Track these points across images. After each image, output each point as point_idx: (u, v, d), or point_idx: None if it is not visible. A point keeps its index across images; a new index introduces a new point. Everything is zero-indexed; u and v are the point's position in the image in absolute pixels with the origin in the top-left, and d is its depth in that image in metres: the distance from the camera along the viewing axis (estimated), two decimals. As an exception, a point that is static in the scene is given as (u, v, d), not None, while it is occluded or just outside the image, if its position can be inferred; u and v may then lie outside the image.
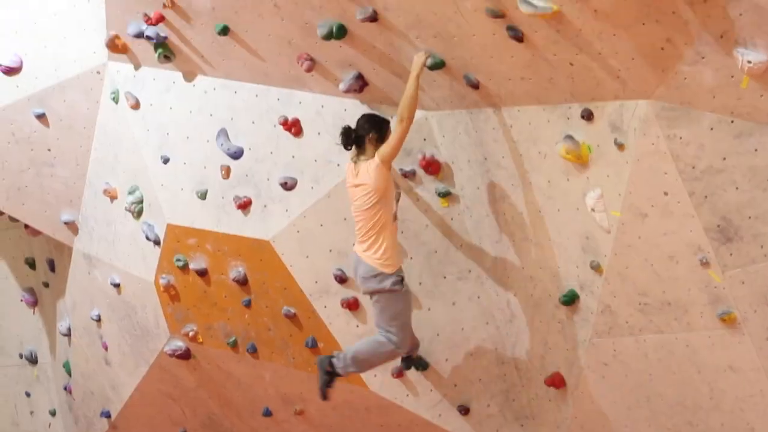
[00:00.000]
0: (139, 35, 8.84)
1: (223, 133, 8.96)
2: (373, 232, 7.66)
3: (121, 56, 9.27)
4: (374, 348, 7.93)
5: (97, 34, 9.29)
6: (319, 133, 8.58)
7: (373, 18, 7.64)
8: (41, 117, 9.95)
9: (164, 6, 8.39)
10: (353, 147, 7.72)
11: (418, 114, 8.17)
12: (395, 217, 7.83)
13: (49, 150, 10.14)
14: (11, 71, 9.79)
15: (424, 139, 8.31)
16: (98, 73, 9.53)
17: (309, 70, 8.31)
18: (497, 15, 6.97)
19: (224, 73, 8.84)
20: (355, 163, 7.69)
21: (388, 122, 7.70)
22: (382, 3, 7.47)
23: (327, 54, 8.18)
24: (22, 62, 9.78)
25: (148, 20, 8.62)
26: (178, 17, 8.52)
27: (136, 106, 9.33)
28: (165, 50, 8.88)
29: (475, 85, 7.75)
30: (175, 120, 9.20)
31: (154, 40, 8.80)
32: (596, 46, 6.75)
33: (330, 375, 8.07)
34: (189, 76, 9.09)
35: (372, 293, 7.81)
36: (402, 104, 7.42)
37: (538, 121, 7.61)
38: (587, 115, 7.29)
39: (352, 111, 8.37)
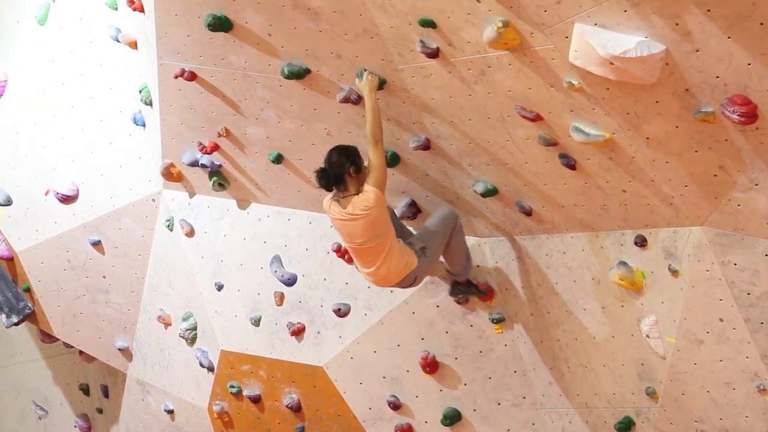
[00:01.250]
0: (194, 164, 9.05)
1: (276, 260, 9.16)
2: (384, 253, 7.63)
3: (176, 184, 9.46)
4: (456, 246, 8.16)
5: (152, 163, 9.49)
6: (372, 260, 8.78)
7: (426, 146, 7.89)
8: (97, 244, 10.11)
9: (219, 135, 8.63)
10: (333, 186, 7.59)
11: (471, 240, 8.36)
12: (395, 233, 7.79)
13: (104, 277, 10.30)
14: (68, 199, 9.99)
15: (478, 266, 8.45)
16: (153, 200, 9.68)
17: (362, 197, 8.55)
18: (549, 143, 7.20)
19: (278, 201, 9.04)
20: (338, 200, 7.56)
21: (356, 149, 7.55)
22: (434, 131, 7.74)
23: (380, 178, 8.42)
24: (78, 190, 9.97)
25: (203, 149, 8.84)
26: (232, 146, 8.75)
27: (190, 233, 9.50)
28: (219, 178, 9.09)
29: (528, 212, 7.94)
30: (229, 247, 9.37)
31: (209, 169, 9.01)
32: (649, 173, 6.94)
33: (464, 285, 8.41)
34: (243, 204, 9.27)
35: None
36: (370, 129, 7.40)
37: (591, 248, 7.76)
38: (641, 242, 7.42)
39: (405, 238, 8.57)
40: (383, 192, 7.44)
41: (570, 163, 7.28)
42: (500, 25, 6.47)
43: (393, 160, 8.10)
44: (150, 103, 8.89)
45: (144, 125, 9.37)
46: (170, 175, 9.33)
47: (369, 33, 7.19)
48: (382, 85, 7.57)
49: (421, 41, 7.00)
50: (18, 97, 10.23)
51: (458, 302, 8.55)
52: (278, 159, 8.61)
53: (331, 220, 7.70)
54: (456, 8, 6.57)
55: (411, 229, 8.21)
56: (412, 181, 8.29)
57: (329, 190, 7.59)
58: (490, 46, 6.65)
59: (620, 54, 6.03)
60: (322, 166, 7.53)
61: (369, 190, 7.40)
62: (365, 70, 7.44)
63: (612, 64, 6.12)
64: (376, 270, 7.70)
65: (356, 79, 7.54)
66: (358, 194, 7.46)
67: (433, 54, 7.02)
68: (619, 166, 7.10)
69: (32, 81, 10.10)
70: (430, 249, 7.84)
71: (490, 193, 7.96)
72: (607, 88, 6.46)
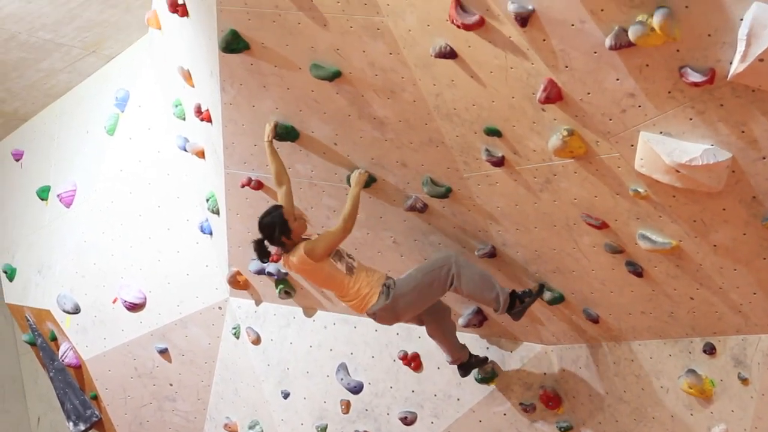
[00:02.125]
0: (261, 272, 9.17)
1: (342, 367, 9.23)
2: (342, 290, 7.71)
3: (243, 292, 9.58)
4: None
5: (219, 271, 9.64)
6: (438, 368, 8.80)
7: (492, 254, 7.98)
8: (164, 352, 10.23)
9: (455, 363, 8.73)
10: (277, 248, 7.81)
11: (537, 348, 8.39)
12: (350, 268, 7.69)
13: (170, 385, 10.40)
14: (135, 307, 10.14)
15: (545, 373, 8.46)
16: (220, 308, 9.80)
17: (428, 305, 8.63)
18: (616, 250, 7.25)
19: (343, 308, 9.06)
20: (285, 255, 7.72)
21: (278, 208, 7.62)
22: (500, 239, 7.83)
23: (446, 289, 8.51)
24: (145, 298, 10.12)
25: (270, 257, 8.98)
26: (299, 254, 8.90)
27: (256, 341, 9.58)
28: (286, 286, 9.21)
29: (595, 320, 7.97)
30: (295, 355, 9.44)
31: (275, 277, 9.15)
32: (717, 280, 6.96)
33: (468, 364, 8.35)
34: (309, 312, 9.38)
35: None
36: (344, 212, 7.55)
37: (659, 356, 7.76)
38: (709, 350, 7.41)
39: (471, 345, 8.58)
40: (314, 259, 7.52)
41: (637, 271, 7.33)
42: (565, 133, 6.59)
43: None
44: (217, 212, 9.07)
45: (211, 233, 9.53)
46: (237, 283, 9.45)
47: (434, 142, 7.35)
48: (370, 183, 7.86)
49: (487, 150, 7.14)
50: (86, 206, 10.47)
51: (525, 410, 8.55)
52: (345, 267, 8.72)
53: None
54: (521, 117, 6.71)
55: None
56: (478, 289, 8.34)
57: (264, 261, 7.88)
58: (556, 154, 6.77)
59: (686, 162, 6.11)
60: (257, 239, 7.72)
61: (297, 252, 7.58)
62: (358, 170, 7.75)
63: (678, 171, 6.19)
64: (348, 302, 7.81)
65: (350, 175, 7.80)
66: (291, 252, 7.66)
67: (499, 162, 7.15)
68: (687, 274, 7.13)
69: (100, 190, 10.34)
70: (398, 290, 7.68)
71: (557, 300, 8.01)
72: (674, 196, 6.53)
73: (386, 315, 7.75)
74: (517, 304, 7.82)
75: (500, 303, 7.79)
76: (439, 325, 8.22)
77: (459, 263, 7.73)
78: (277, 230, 7.56)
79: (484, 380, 8.64)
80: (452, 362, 8.37)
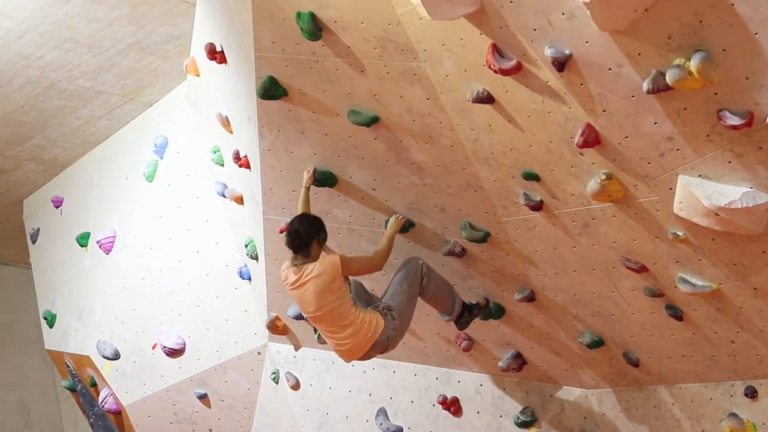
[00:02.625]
0: (299, 317, 9.12)
1: (382, 412, 9.21)
2: (348, 321, 7.54)
3: (282, 337, 9.59)
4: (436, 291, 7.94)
5: (258, 316, 9.66)
6: (478, 412, 8.78)
7: (531, 298, 7.98)
8: (203, 398, 10.24)
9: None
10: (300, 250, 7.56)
11: (578, 391, 8.38)
12: (354, 302, 7.62)
13: (210, 430, 10.39)
14: (174, 353, 10.19)
15: (585, 417, 8.44)
16: (259, 353, 9.79)
17: (467, 349, 8.62)
18: (656, 294, 7.25)
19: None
20: (297, 266, 7.54)
21: (321, 221, 7.62)
22: (539, 283, 7.84)
23: (485, 333, 8.49)
24: (185, 344, 10.16)
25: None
26: (337, 299, 8.93)
27: (296, 386, 9.57)
28: (324, 331, 9.25)
29: (636, 363, 7.94)
30: (334, 400, 9.42)
31: (314, 322, 9.20)
32: (757, 323, 6.95)
33: (465, 316, 8.09)
34: (348, 357, 9.41)
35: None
36: (378, 251, 7.63)
37: (700, 399, 7.72)
38: (751, 393, 7.39)
39: (510, 389, 8.61)
40: (343, 271, 7.42)
41: (677, 314, 7.32)
42: (604, 177, 6.61)
43: (498, 312, 8.21)
44: (256, 257, 9.13)
45: (250, 279, 9.59)
46: (276, 328, 9.48)
47: (472, 186, 7.39)
48: (408, 228, 7.86)
49: (525, 194, 7.17)
50: (126, 252, 10.57)
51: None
52: (383, 311, 8.74)
53: (288, 290, 7.72)
54: (559, 161, 6.74)
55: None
56: (518, 333, 8.36)
57: (297, 251, 7.57)
58: (594, 198, 6.79)
59: (725, 205, 6.11)
60: (296, 228, 7.55)
61: (332, 256, 7.50)
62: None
63: (717, 215, 6.20)
64: (343, 340, 7.62)
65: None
66: (316, 261, 7.51)
67: (537, 206, 7.18)
68: (727, 317, 7.12)
69: (140, 236, 10.44)
70: (397, 309, 7.68)
71: (597, 344, 8.00)
72: (713, 239, 6.53)
73: (396, 336, 7.70)
74: (465, 314, 8.00)
75: (455, 309, 7.95)
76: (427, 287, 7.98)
77: (427, 265, 7.83)
78: (321, 230, 7.56)
79: (525, 424, 8.63)
80: (449, 320, 8.14)
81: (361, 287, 8.06)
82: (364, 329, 7.54)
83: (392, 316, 7.63)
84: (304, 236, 7.51)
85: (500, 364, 8.58)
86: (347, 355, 7.80)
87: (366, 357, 7.78)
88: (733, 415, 7.49)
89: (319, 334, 9.14)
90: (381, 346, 7.68)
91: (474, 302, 8.12)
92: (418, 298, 7.86)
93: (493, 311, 8.20)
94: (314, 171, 7.79)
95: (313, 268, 7.42)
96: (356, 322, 7.52)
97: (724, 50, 5.58)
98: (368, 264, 7.64)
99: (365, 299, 7.94)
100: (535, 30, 5.98)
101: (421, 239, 7.98)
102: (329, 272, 7.40)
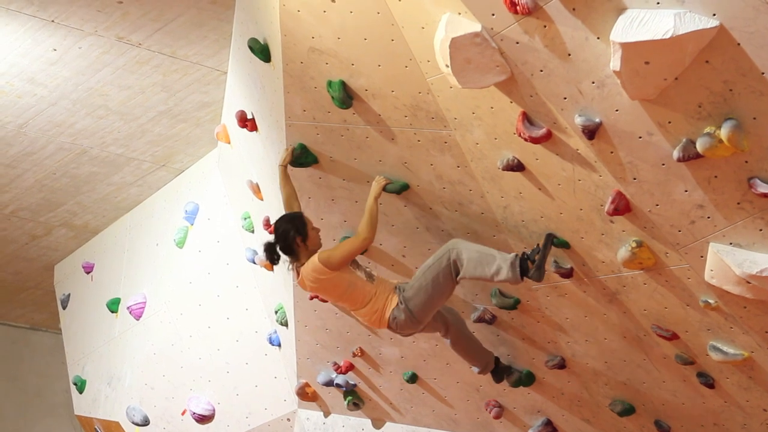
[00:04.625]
0: (329, 383, 9.15)
1: (412, 479, 9.16)
2: (366, 300, 7.24)
3: (311, 404, 9.55)
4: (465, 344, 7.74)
5: (287, 382, 9.63)
6: (508, 477, 8.76)
7: (562, 365, 7.96)
8: (232, 461, 10.19)
9: (354, 355, 8.80)
10: (286, 256, 7.29)
11: (610, 461, 8.33)
12: (369, 275, 7.32)
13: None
14: (204, 419, 10.17)
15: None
16: (288, 420, 9.75)
17: (497, 416, 8.58)
18: (687, 362, 7.22)
19: (412, 420, 9.11)
20: (296, 270, 7.31)
21: (301, 215, 7.27)
22: (569, 350, 7.82)
23: (515, 400, 8.46)
24: (214, 410, 10.15)
25: (338, 369, 8.98)
26: (367, 365, 8.90)
27: (325, 453, 9.56)
28: (354, 398, 9.19)
29: (667, 431, 7.91)
30: (364, 467, 9.40)
31: (344, 388, 9.12)
32: (790, 391, 6.94)
33: (499, 371, 7.92)
34: (378, 423, 9.35)
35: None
36: (361, 225, 7.12)
37: (734, 471, 7.69)
38: (783, 463, 7.36)
39: (541, 458, 8.59)
40: (330, 268, 7.06)
41: (709, 382, 7.28)
42: (634, 245, 6.62)
43: (528, 379, 8.18)
44: (285, 324, 9.14)
45: (279, 345, 9.59)
46: (305, 394, 9.44)
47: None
48: (401, 190, 7.37)
49: (555, 261, 7.17)
50: (156, 318, 10.60)
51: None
52: (413, 378, 8.74)
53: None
54: (589, 229, 6.75)
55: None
56: (548, 400, 8.32)
57: (275, 263, 7.37)
58: (625, 265, 6.79)
59: (757, 273, 6.10)
60: (269, 241, 7.30)
61: (312, 262, 7.11)
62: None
63: (749, 282, 6.19)
64: (364, 317, 7.37)
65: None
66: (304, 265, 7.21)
67: (567, 274, 7.18)
68: (759, 385, 7.08)
69: (170, 302, 10.47)
70: (407, 293, 7.24)
71: (628, 412, 7.95)
72: (745, 307, 6.52)
73: (405, 321, 7.28)
74: (530, 265, 6.96)
75: (489, 363, 7.79)
76: (460, 333, 7.78)
77: (457, 248, 7.12)
78: (293, 230, 7.16)
79: (556, 493, 8.59)
80: (480, 372, 7.93)
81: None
82: (379, 308, 7.26)
83: (406, 306, 7.24)
84: (281, 244, 7.24)
85: (530, 431, 8.53)
86: (373, 325, 7.49)
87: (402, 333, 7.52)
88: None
89: (349, 401, 9.15)
90: (393, 327, 7.36)
91: (534, 248, 7.09)
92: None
93: (523, 379, 8.16)
94: (292, 150, 7.46)
95: (307, 277, 7.18)
96: (372, 301, 7.24)
97: (754, 118, 5.59)
98: (353, 246, 7.12)
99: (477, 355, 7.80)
100: (565, 98, 6.02)
101: (451, 306, 7.97)
102: (318, 278, 7.13)
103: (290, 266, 7.38)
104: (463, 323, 7.83)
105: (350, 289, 7.21)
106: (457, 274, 7.10)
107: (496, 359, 7.95)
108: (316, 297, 8.44)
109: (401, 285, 7.34)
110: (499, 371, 7.95)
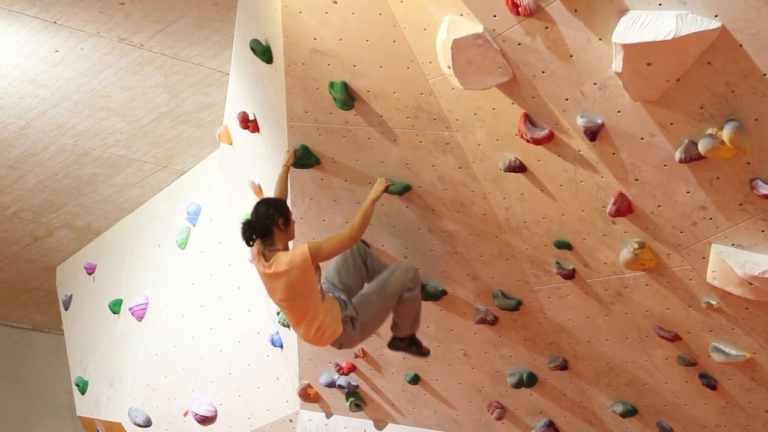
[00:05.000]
0: (331, 384, 9.15)
1: (412, 479, 9.14)
2: (309, 317, 7.19)
3: (313, 405, 9.54)
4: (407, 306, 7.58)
5: (289, 384, 9.62)
6: (509, 482, 8.76)
7: (564, 366, 7.95)
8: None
9: (356, 356, 8.80)
10: (260, 238, 7.18)
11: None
12: (322, 292, 7.25)
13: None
14: (206, 420, 10.15)
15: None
16: (290, 421, 9.74)
17: (499, 417, 8.57)
18: (689, 363, 7.22)
19: (414, 421, 9.10)
20: (263, 254, 7.15)
21: (285, 203, 7.25)
22: (572, 351, 7.82)
23: (517, 401, 8.45)
24: (216, 411, 10.13)
25: (340, 370, 8.98)
26: (369, 367, 8.88)
27: (327, 455, 9.54)
28: (356, 399, 9.18)
29: (669, 433, 7.93)
30: (368, 473, 9.39)
31: (346, 389, 9.12)
32: (792, 393, 6.94)
33: (404, 342, 7.79)
34: (380, 425, 9.34)
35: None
36: (353, 222, 7.09)
37: (736, 470, 7.68)
38: (786, 459, 7.35)
39: (543, 459, 8.58)
40: (316, 260, 7.04)
41: (711, 384, 7.28)
42: (636, 246, 6.61)
43: (530, 380, 8.17)
44: (287, 325, 9.13)
45: (281, 346, 9.59)
46: (307, 395, 9.44)
47: (504, 255, 7.39)
48: (403, 191, 7.33)
49: (557, 262, 7.17)
50: (158, 319, 10.60)
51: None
52: (415, 379, 8.73)
53: (258, 272, 7.34)
54: (591, 230, 6.75)
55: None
56: (550, 402, 8.31)
57: (250, 244, 7.23)
58: (627, 267, 6.79)
59: (759, 274, 6.10)
60: (248, 218, 7.20)
61: (300, 248, 7.04)
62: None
63: (751, 284, 6.19)
64: (302, 332, 7.32)
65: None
66: (284, 250, 7.13)
67: (569, 275, 7.18)
68: (761, 386, 7.08)
69: (172, 303, 10.47)
70: (362, 319, 7.33)
71: (630, 413, 7.95)
72: (747, 308, 6.51)
73: (353, 341, 7.45)
74: (407, 342, 7.73)
75: (407, 331, 7.74)
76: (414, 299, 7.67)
77: (418, 290, 7.52)
78: (277, 213, 7.11)
79: (559, 494, 8.58)
80: (394, 333, 7.81)
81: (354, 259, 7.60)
82: (316, 329, 7.23)
83: (354, 327, 7.33)
84: (258, 225, 7.16)
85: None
86: (310, 341, 7.44)
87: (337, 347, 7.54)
88: (767, 483, 7.45)
89: (351, 403, 9.15)
90: (335, 345, 7.42)
91: (422, 344, 7.82)
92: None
93: (525, 380, 8.16)
94: (294, 151, 7.44)
95: (282, 262, 7.05)
96: (316, 318, 7.18)
97: (756, 120, 5.59)
98: (341, 242, 7.10)
99: (356, 274, 7.59)
100: (567, 100, 6.02)
101: (453, 307, 7.98)
102: (299, 267, 7.01)
103: (257, 250, 7.21)
104: (419, 295, 7.68)
105: (307, 294, 7.14)
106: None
107: (413, 338, 7.84)
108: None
109: (348, 312, 7.32)
110: (399, 345, 7.85)
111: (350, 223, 7.17)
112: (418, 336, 7.83)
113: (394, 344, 7.86)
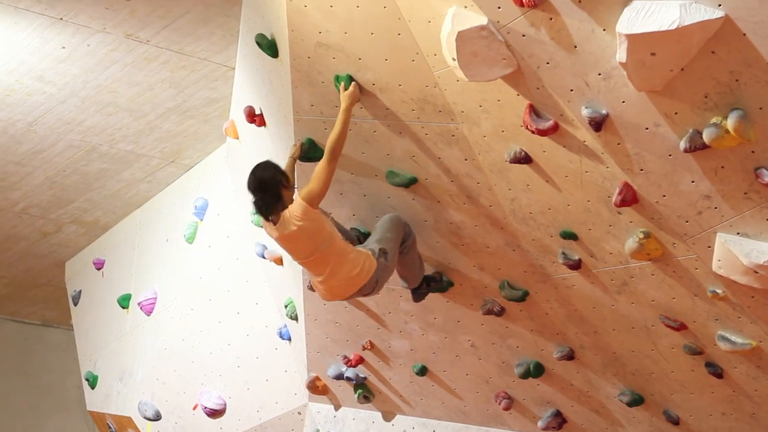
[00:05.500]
0: (339, 377, 9.15)
1: (422, 472, 9.16)
2: (333, 262, 7.10)
3: (322, 397, 9.54)
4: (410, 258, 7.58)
5: (298, 377, 9.62)
6: (512, 469, 8.75)
7: (570, 356, 7.96)
8: (246, 464, 10.15)
9: (363, 348, 8.82)
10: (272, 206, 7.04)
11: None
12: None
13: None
14: (215, 413, 10.16)
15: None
16: (299, 413, 9.74)
17: (507, 408, 8.58)
18: (695, 352, 7.23)
19: (422, 412, 9.11)
20: (271, 219, 7.07)
21: (276, 165, 7.17)
22: (578, 341, 7.83)
23: (524, 392, 8.46)
24: (225, 404, 10.14)
25: (348, 362, 9.00)
26: (377, 359, 8.90)
27: (336, 446, 9.58)
28: (364, 391, 9.19)
29: (676, 421, 7.89)
30: (375, 459, 9.41)
31: (354, 381, 9.12)
32: (798, 380, 6.94)
33: (424, 288, 7.79)
34: (388, 416, 9.34)
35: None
36: (331, 140, 6.86)
37: (740, 461, 7.69)
38: (793, 446, 7.37)
39: (551, 449, 8.59)
40: (314, 204, 6.94)
41: (717, 372, 7.29)
42: (642, 236, 6.62)
43: (537, 370, 8.18)
44: (295, 318, 9.15)
45: (289, 339, 9.60)
46: (316, 388, 9.45)
47: (510, 245, 7.40)
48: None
49: (563, 253, 7.17)
50: (167, 313, 10.62)
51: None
52: (422, 371, 8.74)
53: (273, 239, 7.26)
54: (597, 220, 6.76)
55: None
56: (557, 392, 8.32)
57: (270, 218, 7.08)
58: (632, 256, 6.80)
59: (764, 262, 6.11)
60: (258, 192, 7.08)
61: (296, 203, 6.97)
62: (351, 80, 6.86)
63: (756, 272, 6.19)
64: (325, 280, 7.20)
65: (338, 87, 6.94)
66: (288, 208, 7.03)
67: (575, 265, 7.19)
68: (767, 374, 7.11)
69: (180, 297, 10.50)
70: (391, 253, 7.30)
71: (636, 402, 7.96)
72: (753, 297, 6.52)
73: (387, 274, 7.35)
74: (423, 286, 7.73)
75: (420, 281, 7.72)
76: (411, 249, 7.63)
77: (413, 237, 7.54)
78: (278, 171, 7.07)
79: (565, 482, 8.60)
80: (407, 287, 7.82)
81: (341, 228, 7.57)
82: (346, 272, 7.14)
83: (386, 259, 7.27)
84: (270, 193, 7.06)
85: (540, 423, 8.55)
86: (332, 295, 7.38)
87: (350, 298, 7.47)
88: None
89: (359, 395, 9.17)
90: (368, 288, 7.31)
91: (431, 276, 7.82)
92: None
93: (532, 370, 8.17)
94: (301, 145, 7.43)
95: (290, 222, 6.98)
96: (344, 263, 7.11)
97: (761, 108, 5.59)
98: (324, 168, 6.91)
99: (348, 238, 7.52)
100: (571, 90, 6.03)
101: (460, 298, 7.99)
102: (306, 219, 6.95)
103: (269, 218, 7.11)
104: (415, 241, 7.65)
105: (330, 239, 7.07)
106: (404, 241, 7.45)
107: (426, 277, 7.83)
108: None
109: (373, 248, 7.27)
110: (422, 293, 7.85)
111: (327, 144, 6.92)
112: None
113: (418, 296, 7.84)
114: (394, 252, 7.38)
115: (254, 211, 7.26)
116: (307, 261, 7.24)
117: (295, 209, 6.98)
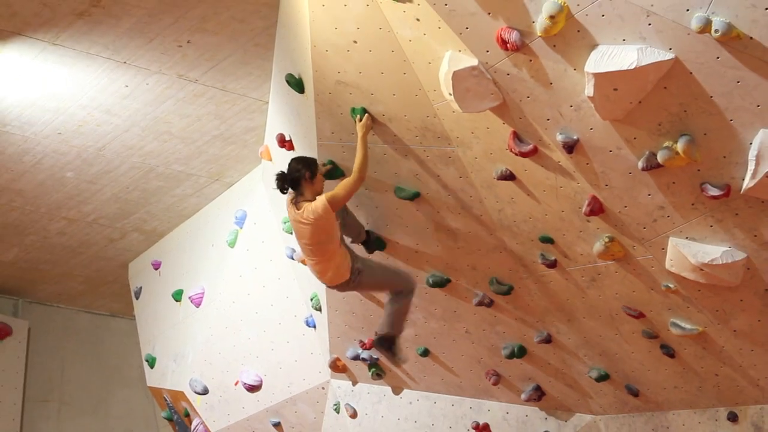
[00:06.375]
0: (356, 357, 9.15)
1: (425, 437, 9.11)
2: (327, 258, 7.24)
3: (342, 375, 9.54)
4: (395, 309, 7.62)
5: (322, 357, 9.60)
6: (506, 436, 8.72)
7: (548, 340, 7.94)
8: (277, 425, 10.16)
9: (376, 334, 8.82)
10: (290, 189, 7.20)
11: (588, 417, 8.28)
12: (342, 241, 7.34)
13: (283, 451, 10.29)
14: (253, 389, 10.12)
15: (592, 439, 8.37)
16: (323, 388, 9.74)
17: (495, 383, 8.56)
18: (652, 336, 7.21)
19: (425, 387, 9.09)
20: (296, 203, 7.16)
21: (315, 160, 7.20)
22: (554, 328, 7.81)
23: (510, 370, 8.44)
24: (261, 381, 10.10)
25: (363, 345, 8.98)
26: (387, 342, 8.89)
27: (353, 415, 9.52)
28: (377, 369, 9.16)
29: (636, 394, 7.87)
30: (386, 426, 9.35)
31: (368, 362, 9.12)
32: (737, 359, 6.89)
33: (387, 342, 7.73)
34: (396, 390, 9.32)
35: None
36: (356, 164, 6.89)
37: (690, 423, 7.64)
38: (733, 418, 7.31)
39: (532, 416, 8.54)
40: (335, 207, 7.00)
41: (670, 353, 7.26)
42: (607, 240, 6.60)
43: (520, 352, 8.15)
44: (319, 309, 9.12)
45: (314, 327, 9.55)
46: (337, 367, 9.43)
47: (498, 249, 7.38)
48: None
49: (542, 254, 7.15)
50: (212, 306, 10.58)
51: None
52: (425, 353, 8.70)
53: (290, 218, 7.34)
54: (570, 227, 6.74)
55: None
56: (537, 369, 8.29)
57: (284, 192, 7.26)
58: (599, 257, 6.77)
59: (708, 262, 6.10)
60: (282, 171, 7.22)
61: (319, 200, 7.00)
62: (365, 112, 6.84)
63: (702, 270, 6.18)
64: (315, 264, 7.35)
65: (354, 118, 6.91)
66: (312, 201, 7.07)
67: (552, 264, 7.16)
68: (712, 354, 7.06)
69: (224, 292, 10.43)
70: (366, 275, 7.37)
71: (603, 378, 7.93)
72: (699, 290, 6.49)
73: (347, 289, 7.55)
74: (388, 344, 7.76)
75: (389, 331, 7.71)
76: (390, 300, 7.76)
77: (410, 297, 7.63)
78: (304, 167, 7.09)
79: (543, 446, 8.56)
80: (353, 241, 7.73)
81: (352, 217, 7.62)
82: (331, 270, 7.32)
83: (356, 277, 7.36)
84: (288, 177, 7.17)
85: (523, 395, 8.52)
86: (320, 275, 7.48)
87: (335, 288, 7.58)
88: (719, 436, 7.41)
89: (373, 372, 9.13)
90: (346, 287, 7.52)
91: (398, 350, 7.87)
92: None
93: (516, 352, 8.13)
94: (323, 165, 7.33)
95: (309, 211, 7.03)
96: (331, 263, 7.26)
97: (705, 134, 5.58)
98: (351, 184, 6.96)
99: (356, 229, 7.63)
100: (548, 120, 6.02)
101: (455, 292, 7.96)
102: (323, 216, 7.00)
103: (290, 200, 7.22)
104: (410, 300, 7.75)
105: (330, 239, 7.15)
106: (398, 294, 7.60)
107: (368, 232, 7.79)
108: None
109: (357, 265, 7.36)
110: (370, 243, 7.80)
111: (354, 167, 6.95)
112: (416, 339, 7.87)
113: (379, 343, 7.81)
114: (373, 279, 7.52)
115: (276, 180, 7.28)
116: (306, 246, 7.31)
117: (317, 205, 7.02)
